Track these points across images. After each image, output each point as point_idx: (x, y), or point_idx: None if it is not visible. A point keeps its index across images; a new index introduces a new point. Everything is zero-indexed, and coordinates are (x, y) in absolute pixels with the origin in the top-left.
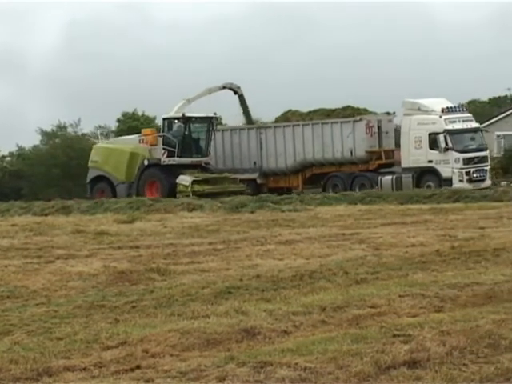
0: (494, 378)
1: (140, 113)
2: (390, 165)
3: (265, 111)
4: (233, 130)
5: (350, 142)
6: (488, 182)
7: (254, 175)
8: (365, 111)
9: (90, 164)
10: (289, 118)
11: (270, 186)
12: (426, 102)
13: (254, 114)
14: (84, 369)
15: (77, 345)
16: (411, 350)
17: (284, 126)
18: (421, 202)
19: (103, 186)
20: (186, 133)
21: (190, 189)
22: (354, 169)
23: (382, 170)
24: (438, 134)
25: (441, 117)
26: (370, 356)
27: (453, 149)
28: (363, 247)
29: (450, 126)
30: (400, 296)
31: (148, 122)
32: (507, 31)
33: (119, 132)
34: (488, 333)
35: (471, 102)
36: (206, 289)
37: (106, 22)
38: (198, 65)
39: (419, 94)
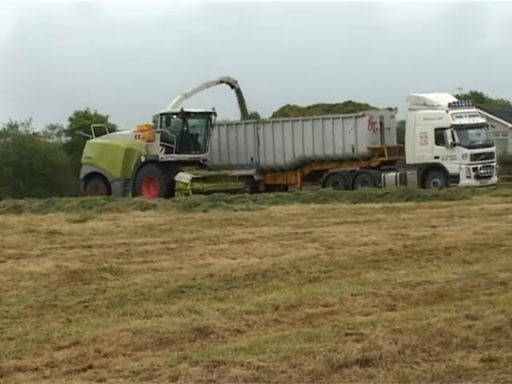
0: (445, 375)
1: (92, 112)
2: (393, 162)
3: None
4: (229, 125)
5: (352, 139)
6: (494, 179)
7: (251, 171)
8: (366, 107)
9: (83, 160)
10: (287, 113)
11: (267, 182)
12: (431, 96)
13: (252, 109)
14: (35, 369)
15: (28, 345)
16: (363, 349)
17: (283, 122)
18: (373, 200)
19: (97, 182)
20: (185, 128)
21: (189, 187)
22: (355, 166)
23: (384, 167)
24: (444, 129)
25: (447, 112)
26: (322, 355)
27: (460, 144)
28: (316, 246)
29: (457, 121)
30: (352, 295)
31: (101, 120)
32: (459, 32)
33: (71, 131)
34: (439, 331)
35: None
36: (158, 288)
37: (56, 22)
38: (150, 65)
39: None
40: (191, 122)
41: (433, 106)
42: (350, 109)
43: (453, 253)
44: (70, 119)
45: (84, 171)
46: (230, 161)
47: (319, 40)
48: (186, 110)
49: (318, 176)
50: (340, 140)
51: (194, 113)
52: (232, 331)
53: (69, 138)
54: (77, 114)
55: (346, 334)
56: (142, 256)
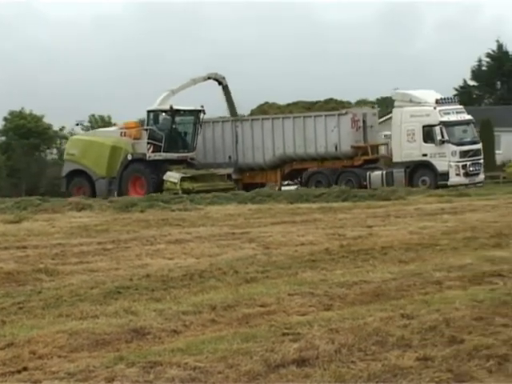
0: (381, 374)
1: (27, 111)
2: (375, 160)
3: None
4: (206, 122)
5: (335, 137)
6: (481, 177)
7: (229, 170)
8: (348, 104)
9: (65, 157)
10: (266, 110)
11: (246, 181)
12: (417, 93)
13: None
14: None
15: None
16: (300, 349)
17: (262, 119)
18: (310, 200)
19: (81, 180)
20: (173, 126)
21: (178, 186)
22: (337, 164)
23: (367, 166)
24: (432, 126)
25: (435, 108)
26: (259, 355)
27: (449, 141)
28: (253, 246)
29: (445, 118)
30: (289, 295)
31: (36, 120)
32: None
33: (6, 131)
34: (376, 330)
35: (359, 102)
36: (94, 289)
37: None
38: (84, 61)
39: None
40: (179, 119)
41: (419, 103)
42: (332, 106)
43: (389, 252)
44: (5, 119)
45: (66, 168)
46: (207, 159)
47: (254, 46)
48: (175, 107)
49: (298, 175)
50: (322, 138)
51: (184, 110)
52: (169, 332)
53: (3, 138)
54: (11, 113)
55: (283, 334)
56: (77, 257)
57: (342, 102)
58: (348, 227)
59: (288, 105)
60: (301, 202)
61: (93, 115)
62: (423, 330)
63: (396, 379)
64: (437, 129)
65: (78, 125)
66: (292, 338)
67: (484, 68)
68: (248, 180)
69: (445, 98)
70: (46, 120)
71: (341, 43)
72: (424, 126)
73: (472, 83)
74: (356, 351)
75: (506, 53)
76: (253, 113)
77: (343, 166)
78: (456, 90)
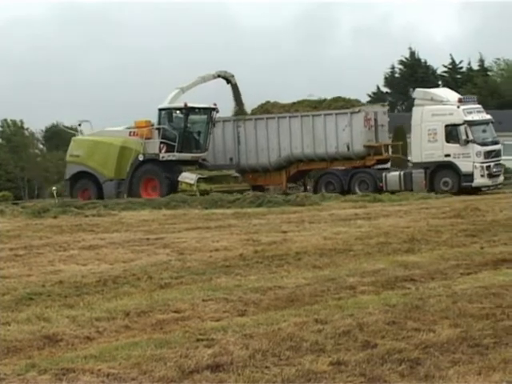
0: (295, 379)
1: None
2: (386, 160)
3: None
4: None
5: (347, 136)
6: (501, 178)
7: (230, 172)
8: (357, 102)
9: (68, 158)
10: (269, 109)
11: (249, 183)
12: (438, 91)
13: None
14: None
15: None
16: (214, 354)
17: (267, 119)
18: (225, 206)
19: (86, 183)
20: (188, 125)
21: (195, 187)
22: (347, 165)
23: (379, 167)
24: (456, 125)
25: (459, 107)
26: (173, 361)
27: (474, 141)
28: (167, 252)
29: (469, 117)
30: (204, 300)
31: None
32: (309, 37)
33: None
34: (290, 335)
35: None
36: (6, 295)
37: None
38: None
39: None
40: (193, 118)
41: (441, 102)
42: (341, 105)
43: (303, 258)
44: None
45: (70, 171)
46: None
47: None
48: (189, 104)
49: (303, 177)
50: (333, 138)
51: (198, 108)
52: (82, 338)
53: None
54: None
55: (197, 340)
56: None
57: (350, 100)
58: (262, 233)
59: (293, 103)
60: (215, 208)
61: (5, 120)
62: (337, 335)
63: None
64: (461, 128)
65: (80, 125)
66: (206, 344)
67: (397, 75)
68: (251, 182)
69: (467, 97)
70: None
71: (256, 49)
72: (447, 126)
73: (385, 90)
74: (270, 356)
75: (419, 60)
76: (254, 112)
77: (354, 166)
78: (369, 96)
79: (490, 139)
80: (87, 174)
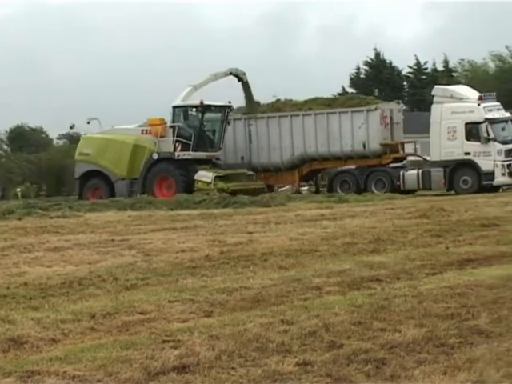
0: (261, 380)
1: None
2: (402, 159)
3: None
4: None
5: (363, 134)
6: None
7: (244, 171)
8: (372, 100)
9: (78, 157)
10: (280, 108)
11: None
12: (458, 88)
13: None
14: None
15: None
16: (180, 355)
17: (279, 117)
18: (191, 207)
19: (97, 182)
20: (203, 123)
21: (212, 186)
22: (361, 163)
23: (394, 165)
24: (477, 123)
25: (479, 105)
26: (139, 362)
27: (495, 140)
28: (133, 253)
29: (489, 115)
30: (170, 301)
31: None
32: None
33: None
34: (256, 336)
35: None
36: None
37: None
38: None
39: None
40: (208, 116)
41: (461, 99)
42: (356, 102)
43: (269, 259)
44: None
45: (80, 170)
46: None
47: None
48: (205, 102)
49: (316, 175)
50: (348, 136)
51: (214, 106)
52: (47, 340)
53: None
54: None
55: (163, 341)
56: None
57: (365, 98)
58: (228, 234)
59: (305, 101)
60: (181, 209)
61: None
62: (303, 336)
63: None
64: (483, 126)
65: (89, 123)
66: (172, 345)
67: (362, 75)
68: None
69: (487, 94)
70: None
71: (221, 46)
72: (467, 124)
73: (351, 90)
74: (236, 357)
75: (384, 61)
76: (264, 111)
77: (368, 165)
78: (334, 96)
79: (509, 137)
80: (98, 172)
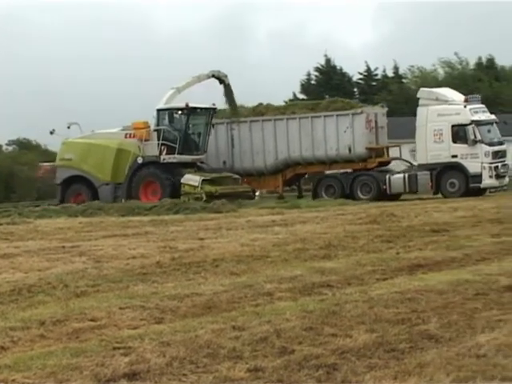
0: None
1: None
2: (387, 163)
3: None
4: None
5: (348, 138)
6: (507, 179)
7: (231, 174)
8: (356, 104)
9: (59, 162)
10: (263, 112)
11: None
12: (443, 91)
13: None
14: None
15: None
16: (131, 362)
17: (263, 121)
18: (142, 214)
19: (80, 187)
20: (190, 126)
21: (199, 189)
22: (346, 167)
23: (381, 169)
24: (464, 125)
25: (465, 106)
26: (89, 369)
27: (482, 141)
28: (84, 260)
29: (476, 117)
30: (120, 308)
31: None
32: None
33: None
34: (207, 342)
35: None
36: None
37: None
38: None
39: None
40: (193, 118)
41: (447, 101)
42: (340, 106)
43: (220, 265)
44: None
45: (61, 175)
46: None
47: (86, 50)
48: (191, 104)
49: (299, 180)
50: (333, 140)
51: (200, 108)
52: None
53: None
54: None
55: (114, 348)
56: None
57: (349, 102)
58: (180, 240)
59: (288, 105)
60: (132, 215)
61: None
62: (254, 342)
63: None
64: (470, 128)
65: (69, 127)
66: (123, 352)
67: (313, 82)
68: None
69: (472, 97)
70: None
71: (173, 50)
72: (453, 126)
73: (301, 96)
74: (187, 364)
75: (334, 67)
76: (246, 115)
77: (354, 169)
78: (286, 102)
79: (495, 139)
80: (81, 177)
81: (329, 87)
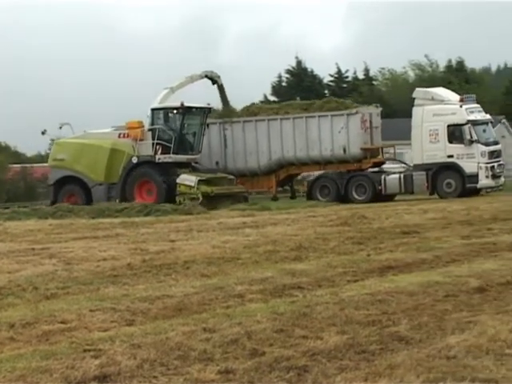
0: None
1: None
2: (381, 163)
3: None
4: None
5: (343, 138)
6: (502, 179)
7: (225, 175)
8: (350, 104)
9: (51, 163)
10: (256, 112)
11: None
12: (439, 91)
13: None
14: None
15: None
16: (102, 365)
17: (256, 121)
18: (112, 216)
19: (73, 188)
20: (185, 125)
21: (194, 190)
22: (341, 168)
23: (374, 169)
24: (460, 125)
25: (461, 106)
26: (59, 372)
27: (478, 141)
28: (54, 262)
29: (472, 117)
30: (91, 310)
31: None
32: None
33: None
34: (178, 345)
35: None
36: None
37: None
38: None
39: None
40: (188, 118)
41: (442, 101)
42: (334, 106)
43: (191, 266)
44: None
45: (54, 176)
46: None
47: (56, 54)
48: (186, 104)
49: (291, 181)
50: (328, 140)
51: (196, 108)
52: None
53: None
54: None
55: (84, 351)
56: None
57: (343, 102)
58: (150, 242)
59: (281, 105)
60: (103, 217)
61: None
62: (225, 344)
63: None
64: (466, 128)
65: (61, 128)
66: (93, 355)
67: (284, 84)
68: None
69: (467, 97)
70: None
71: (138, 53)
72: (449, 126)
73: (272, 98)
74: (158, 366)
75: (305, 69)
76: (239, 115)
77: (348, 169)
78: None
79: (491, 139)
80: (74, 178)
81: (300, 89)
